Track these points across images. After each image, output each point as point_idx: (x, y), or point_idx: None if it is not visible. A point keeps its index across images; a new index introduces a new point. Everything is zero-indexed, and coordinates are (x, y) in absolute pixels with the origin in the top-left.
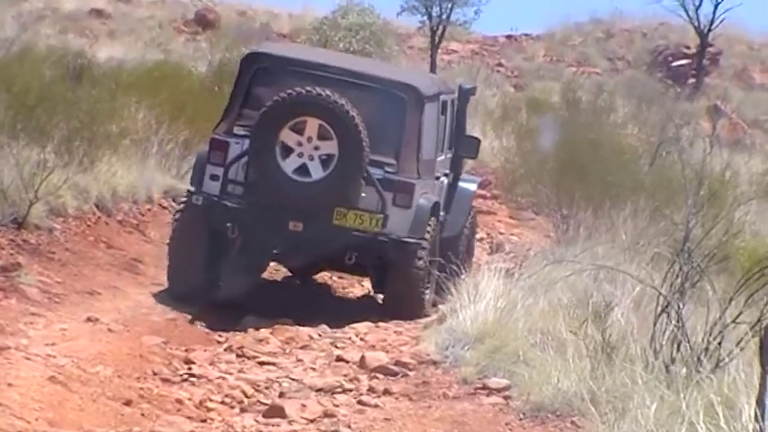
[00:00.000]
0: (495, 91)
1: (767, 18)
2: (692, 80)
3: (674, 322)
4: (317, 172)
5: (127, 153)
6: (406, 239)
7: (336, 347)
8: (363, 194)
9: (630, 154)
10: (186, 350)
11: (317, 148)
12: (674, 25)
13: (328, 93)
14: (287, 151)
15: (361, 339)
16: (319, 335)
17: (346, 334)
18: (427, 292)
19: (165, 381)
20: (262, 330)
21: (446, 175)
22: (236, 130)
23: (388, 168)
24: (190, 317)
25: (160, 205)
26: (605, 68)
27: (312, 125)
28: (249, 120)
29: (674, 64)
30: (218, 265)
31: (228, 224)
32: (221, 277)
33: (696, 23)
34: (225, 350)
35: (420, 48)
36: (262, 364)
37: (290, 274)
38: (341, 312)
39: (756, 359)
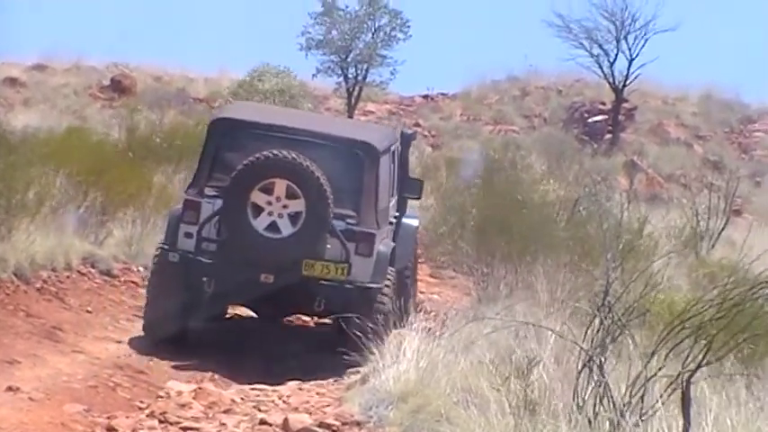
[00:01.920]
0: (413, 150)
1: (681, 73)
2: (608, 136)
3: (596, 377)
4: (286, 228)
5: (45, 220)
6: (369, 285)
7: (260, 411)
8: (328, 246)
9: (548, 210)
10: (108, 417)
11: (285, 207)
12: (590, 82)
13: (294, 155)
14: (257, 210)
15: (284, 402)
16: (242, 398)
17: (269, 397)
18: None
19: None
20: (184, 395)
21: (394, 218)
22: (207, 191)
23: (349, 220)
24: (111, 384)
25: (79, 272)
26: (522, 126)
27: (280, 186)
28: (219, 181)
29: (590, 120)
30: (191, 314)
31: (204, 279)
32: (192, 323)
33: (611, 80)
34: (147, 416)
35: (337, 109)
36: (185, 429)
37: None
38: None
39: (679, 412)
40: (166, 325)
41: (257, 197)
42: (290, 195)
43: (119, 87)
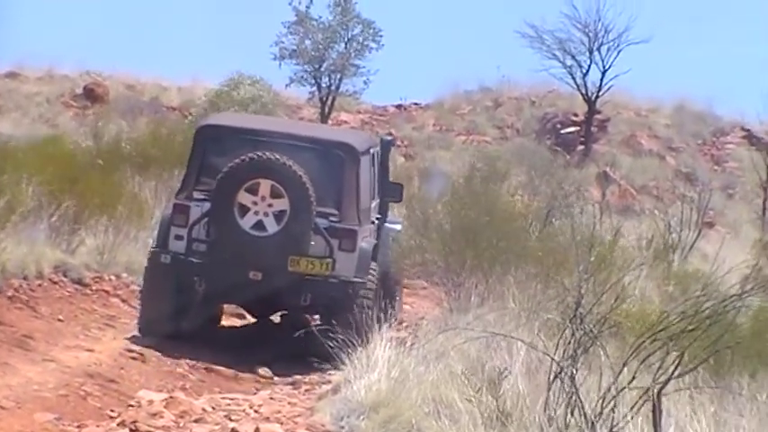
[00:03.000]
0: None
1: (654, 85)
2: (580, 147)
3: (567, 388)
4: (271, 226)
5: (16, 228)
6: (353, 279)
7: (231, 420)
8: (313, 243)
9: (520, 221)
10: (79, 426)
11: (270, 206)
12: (563, 93)
13: (277, 156)
14: (244, 210)
15: (256, 411)
16: (213, 407)
17: (240, 406)
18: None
19: None
20: (155, 404)
21: (377, 219)
22: (196, 195)
23: (332, 218)
24: (82, 392)
25: (51, 280)
26: (495, 137)
27: (265, 186)
28: (206, 185)
29: (563, 131)
30: (185, 314)
31: (195, 278)
32: (186, 321)
33: (584, 91)
34: (118, 425)
35: (310, 119)
36: None
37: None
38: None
39: (650, 423)
40: (161, 324)
41: (243, 197)
42: (275, 195)
43: (91, 96)
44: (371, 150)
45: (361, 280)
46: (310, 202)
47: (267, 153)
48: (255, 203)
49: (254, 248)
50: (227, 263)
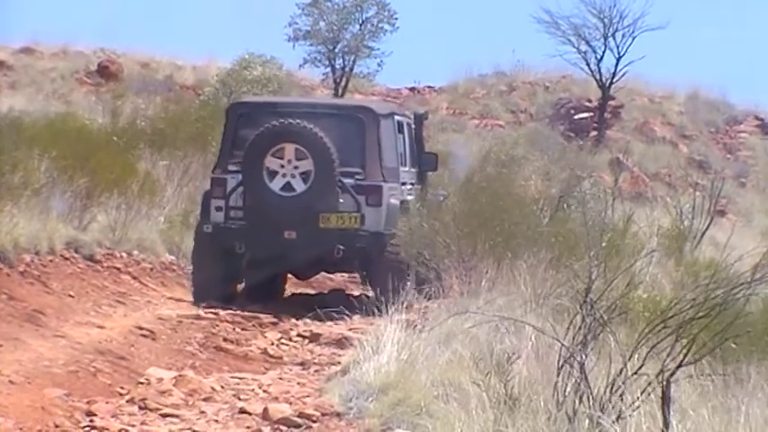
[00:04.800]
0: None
1: (668, 72)
2: (593, 133)
3: (576, 373)
4: (299, 186)
5: (29, 204)
6: (382, 231)
7: (239, 399)
8: (341, 200)
9: (533, 205)
10: (88, 402)
11: (296, 168)
12: (577, 78)
13: (298, 121)
14: (272, 174)
15: (264, 391)
16: (222, 387)
17: (249, 386)
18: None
19: None
20: (164, 382)
21: (413, 184)
22: (230, 167)
23: (357, 176)
24: (92, 369)
25: (62, 256)
26: (508, 121)
27: (289, 150)
28: (239, 158)
29: (576, 117)
30: (234, 276)
31: (236, 242)
32: (238, 285)
33: (598, 77)
34: (127, 402)
35: None
36: (164, 416)
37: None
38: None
39: (658, 411)
40: (211, 288)
41: (271, 162)
42: (299, 157)
43: (105, 73)
44: (396, 117)
45: (389, 232)
46: (332, 161)
47: (289, 120)
48: (282, 167)
49: (286, 208)
50: (262, 225)
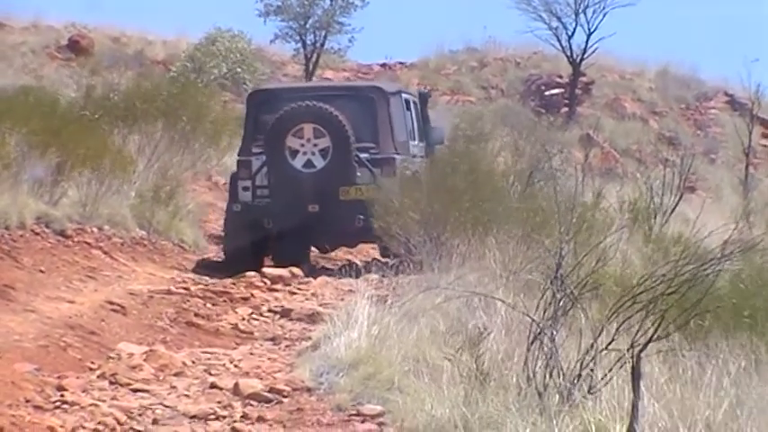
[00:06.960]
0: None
1: (638, 48)
2: (564, 109)
3: (546, 349)
4: (319, 162)
5: None
6: None
7: (210, 374)
8: (359, 174)
9: (503, 181)
10: (59, 377)
11: (315, 145)
12: (548, 54)
13: (314, 102)
14: (294, 153)
15: (235, 366)
16: (193, 362)
17: (220, 360)
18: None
19: (38, 408)
20: (135, 357)
21: (422, 157)
22: (254, 150)
23: (372, 151)
24: (62, 344)
25: (33, 231)
26: (479, 97)
27: (308, 129)
28: (261, 140)
29: (547, 93)
30: (261, 250)
31: (264, 218)
32: (266, 258)
33: (569, 53)
34: (98, 377)
35: (295, 75)
36: (135, 391)
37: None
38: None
39: (628, 385)
40: (241, 260)
41: (291, 142)
42: (318, 135)
43: (76, 48)
44: (404, 95)
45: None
46: (348, 137)
47: (306, 101)
48: (302, 145)
49: (308, 183)
50: (287, 200)
